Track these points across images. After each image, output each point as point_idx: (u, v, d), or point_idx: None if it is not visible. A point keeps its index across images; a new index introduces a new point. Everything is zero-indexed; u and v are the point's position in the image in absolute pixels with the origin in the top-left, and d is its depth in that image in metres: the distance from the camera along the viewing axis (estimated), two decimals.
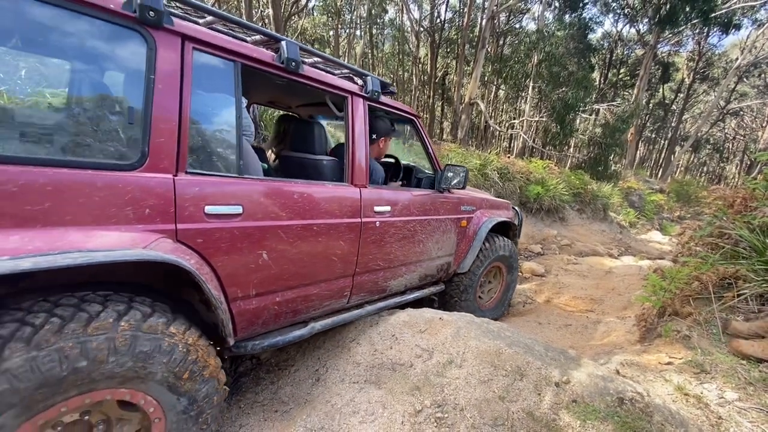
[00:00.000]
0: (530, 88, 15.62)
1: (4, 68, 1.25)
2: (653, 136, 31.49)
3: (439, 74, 21.11)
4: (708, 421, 1.85)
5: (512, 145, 18.51)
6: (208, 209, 1.51)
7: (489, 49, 16.74)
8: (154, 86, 1.38)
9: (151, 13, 1.34)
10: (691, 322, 2.65)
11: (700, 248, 3.29)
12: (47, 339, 1.07)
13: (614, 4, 19.17)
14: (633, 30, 20.28)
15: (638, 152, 27.75)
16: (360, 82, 2.29)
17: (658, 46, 18.93)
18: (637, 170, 20.60)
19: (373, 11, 19.68)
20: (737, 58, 19.67)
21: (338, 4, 18.67)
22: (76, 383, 1.13)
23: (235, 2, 16.46)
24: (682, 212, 14.21)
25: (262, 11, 16.48)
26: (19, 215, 1.09)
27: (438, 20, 19.54)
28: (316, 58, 2.11)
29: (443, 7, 19.61)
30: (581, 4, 17.28)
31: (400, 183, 3.12)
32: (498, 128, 17.62)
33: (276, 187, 1.79)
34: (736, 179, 30.69)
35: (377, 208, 2.25)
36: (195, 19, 1.65)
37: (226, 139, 1.66)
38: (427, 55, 20.80)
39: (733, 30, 18.16)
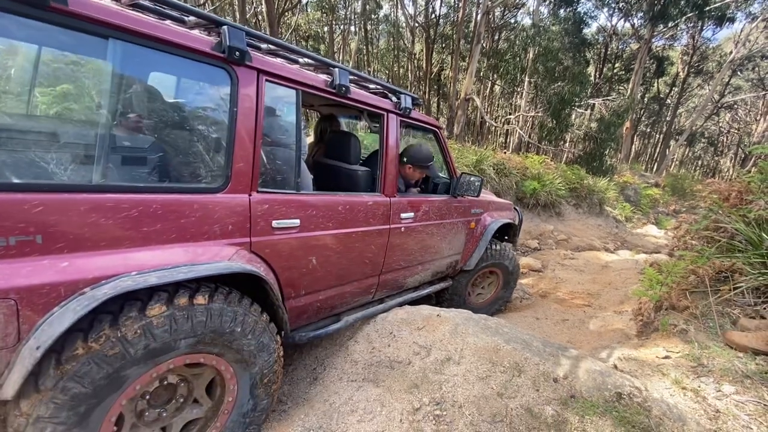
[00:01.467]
0: (526, 83, 15.60)
1: (132, 116, 1.45)
2: (648, 130, 31.58)
3: (435, 70, 21.04)
4: (706, 414, 1.85)
5: (508, 140, 18.51)
6: (275, 223, 1.72)
7: (484, 45, 16.70)
8: (237, 117, 1.55)
9: (237, 53, 1.51)
10: (687, 315, 2.65)
11: (696, 242, 3.30)
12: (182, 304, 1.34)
13: None
14: (628, 24, 20.26)
15: (633, 146, 27.83)
16: (394, 99, 2.45)
17: (653, 40, 18.91)
18: (632, 164, 20.66)
19: (367, 7, 19.56)
20: (731, 52, 19.74)
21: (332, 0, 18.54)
22: (199, 338, 1.39)
23: None
24: (677, 206, 14.28)
25: (255, 7, 16.34)
26: (139, 236, 1.31)
27: (433, 16, 19.43)
28: (352, 76, 2.21)
29: (438, 2, 19.53)
30: None
31: (419, 188, 3.20)
32: (494, 124, 17.59)
33: (325, 201, 1.97)
34: (731, 172, 30.88)
35: (403, 215, 2.47)
36: (257, 44, 1.77)
37: (287, 159, 1.87)
38: (422, 50, 20.70)
39: (727, 23, 18.15)
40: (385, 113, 2.36)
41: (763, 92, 22.19)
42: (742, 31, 19.65)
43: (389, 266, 2.49)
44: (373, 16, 21.35)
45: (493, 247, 3.49)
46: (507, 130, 18.43)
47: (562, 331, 3.57)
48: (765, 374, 2.04)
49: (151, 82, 1.57)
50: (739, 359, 2.18)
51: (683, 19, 16.88)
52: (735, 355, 2.22)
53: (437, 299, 3.46)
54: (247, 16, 14.01)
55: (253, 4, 16.28)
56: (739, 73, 24.32)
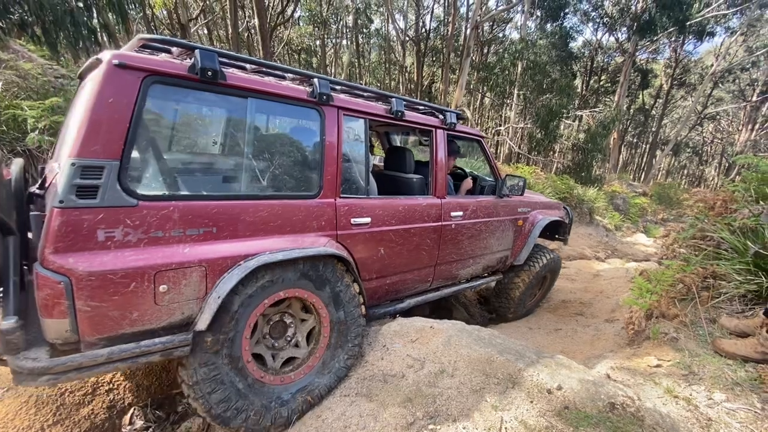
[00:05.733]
0: (515, 95, 15.88)
1: (260, 147, 1.99)
2: (635, 140, 32.24)
3: (426, 82, 21.34)
4: (698, 423, 1.86)
5: (498, 151, 18.73)
6: (353, 220, 2.19)
7: (474, 58, 17.02)
8: (325, 143, 2.07)
9: (324, 96, 2.04)
10: (677, 323, 2.68)
11: (683, 250, 3.35)
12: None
13: (593, 14, 19.70)
14: (612, 38, 20.85)
15: (621, 156, 28.35)
16: (441, 116, 2.86)
17: (637, 53, 19.46)
18: (620, 174, 21.00)
19: (358, 21, 19.86)
20: (712, 65, 20.37)
21: (324, 14, 18.79)
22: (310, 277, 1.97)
23: (221, 13, 16.42)
24: (665, 215, 14.50)
25: (248, 22, 16.49)
26: (267, 228, 1.84)
27: (423, 30, 19.79)
28: (405, 102, 2.63)
29: (428, 17, 19.92)
30: (562, 14, 17.73)
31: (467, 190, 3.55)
32: (484, 135, 17.81)
33: (389, 203, 2.43)
34: (715, 181, 31.56)
35: (453, 213, 2.85)
36: (335, 87, 2.24)
37: (360, 172, 2.37)
38: (413, 63, 21.02)
39: (708, 37, 18.78)
40: (434, 129, 2.78)
41: (744, 103, 22.85)
42: (722, 44, 20.33)
43: (443, 258, 2.86)
44: (364, 30, 21.67)
45: (548, 255, 3.84)
46: (497, 141, 18.67)
47: (555, 341, 3.57)
48: (754, 381, 2.06)
49: (271, 122, 2.19)
50: (728, 367, 2.20)
51: (665, 34, 17.42)
52: (725, 363, 2.24)
53: (498, 309, 3.89)
54: (240, 30, 14.12)
55: (245, 18, 16.44)
56: (720, 85, 25.07)
